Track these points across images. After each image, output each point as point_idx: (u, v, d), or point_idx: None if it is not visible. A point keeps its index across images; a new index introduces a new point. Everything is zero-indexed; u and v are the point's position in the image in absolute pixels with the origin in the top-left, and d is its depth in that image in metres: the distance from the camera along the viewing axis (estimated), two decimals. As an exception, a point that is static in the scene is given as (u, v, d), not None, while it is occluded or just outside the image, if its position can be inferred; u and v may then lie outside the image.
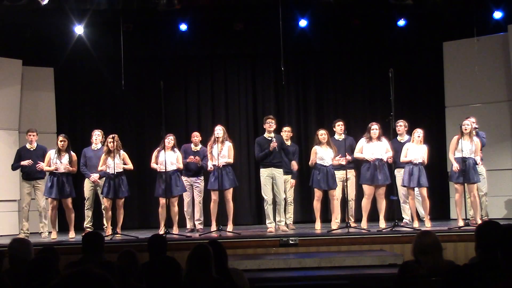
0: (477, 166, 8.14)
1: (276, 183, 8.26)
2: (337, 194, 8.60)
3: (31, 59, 10.18)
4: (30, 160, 8.60)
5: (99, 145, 8.85)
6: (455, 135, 8.31)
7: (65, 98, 10.69)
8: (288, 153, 8.53)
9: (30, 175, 8.72)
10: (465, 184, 8.02)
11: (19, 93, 10.01)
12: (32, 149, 8.80)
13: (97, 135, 8.89)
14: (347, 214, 8.52)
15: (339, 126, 8.84)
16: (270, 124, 8.30)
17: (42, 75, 10.40)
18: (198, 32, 10.46)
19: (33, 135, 8.83)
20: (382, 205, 8.39)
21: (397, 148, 8.49)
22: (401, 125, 8.70)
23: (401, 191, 8.70)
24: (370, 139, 8.41)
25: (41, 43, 10.25)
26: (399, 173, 8.60)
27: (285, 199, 8.67)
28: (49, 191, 8.39)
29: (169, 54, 10.73)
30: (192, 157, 8.81)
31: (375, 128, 8.40)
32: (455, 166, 8.02)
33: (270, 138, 8.24)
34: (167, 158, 8.37)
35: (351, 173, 8.75)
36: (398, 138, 8.73)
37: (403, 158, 8.34)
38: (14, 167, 8.94)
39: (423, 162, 8.23)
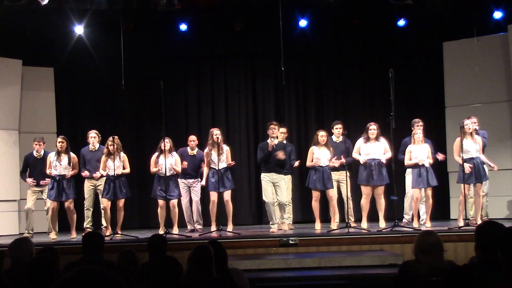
0: (483, 164, 8.15)
1: (277, 187, 8.27)
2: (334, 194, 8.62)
3: (31, 59, 10.18)
4: (33, 180, 8.65)
5: (97, 145, 8.83)
6: (455, 135, 8.31)
7: (65, 98, 10.69)
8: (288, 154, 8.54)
9: (37, 183, 8.75)
10: (472, 184, 8.02)
11: (19, 93, 10.01)
12: (39, 158, 8.79)
13: (93, 137, 8.81)
14: (346, 214, 8.53)
15: (337, 129, 8.83)
16: (272, 131, 8.29)
17: (42, 75, 10.39)
18: (198, 32, 10.45)
19: (40, 145, 8.82)
20: (381, 205, 8.39)
21: None
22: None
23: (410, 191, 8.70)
24: (368, 139, 8.40)
25: (41, 43, 10.24)
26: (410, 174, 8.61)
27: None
28: (49, 193, 8.41)
29: (169, 54, 10.72)
30: (185, 163, 8.79)
31: (373, 128, 8.40)
32: (467, 167, 7.90)
33: (273, 145, 8.26)
34: (166, 163, 8.39)
35: (344, 174, 8.68)
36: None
37: (407, 161, 8.33)
38: (21, 177, 9.01)
39: (429, 163, 8.22)
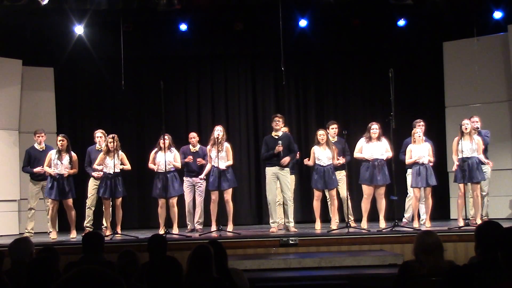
0: (482, 165, 8.13)
1: (282, 182, 8.22)
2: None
3: (31, 59, 10.18)
4: (42, 168, 8.57)
5: (104, 145, 8.84)
6: (455, 135, 8.31)
7: (65, 98, 10.70)
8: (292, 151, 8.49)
9: (38, 176, 8.74)
10: (468, 183, 8.03)
11: (19, 93, 10.01)
12: (42, 150, 8.82)
13: (99, 137, 8.84)
14: (346, 214, 8.53)
15: (333, 129, 8.84)
16: (277, 123, 8.25)
17: (42, 75, 10.39)
18: (198, 32, 10.46)
19: (42, 136, 8.87)
20: (382, 205, 8.39)
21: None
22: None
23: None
24: (369, 139, 8.41)
25: (41, 43, 10.25)
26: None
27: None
28: (49, 192, 8.38)
29: (169, 54, 10.73)
30: (190, 157, 8.83)
31: (375, 128, 8.40)
32: (455, 166, 8.06)
33: (277, 137, 8.22)
34: (165, 159, 8.37)
35: (342, 174, 8.70)
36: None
37: (408, 160, 8.34)
38: (25, 171, 8.96)
39: (428, 161, 8.22)
